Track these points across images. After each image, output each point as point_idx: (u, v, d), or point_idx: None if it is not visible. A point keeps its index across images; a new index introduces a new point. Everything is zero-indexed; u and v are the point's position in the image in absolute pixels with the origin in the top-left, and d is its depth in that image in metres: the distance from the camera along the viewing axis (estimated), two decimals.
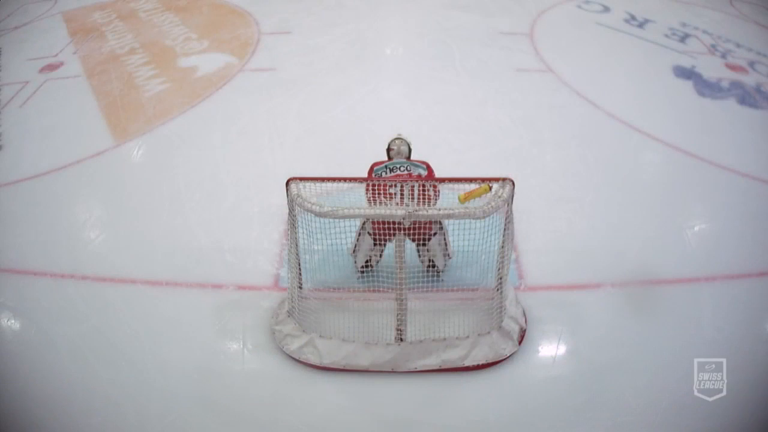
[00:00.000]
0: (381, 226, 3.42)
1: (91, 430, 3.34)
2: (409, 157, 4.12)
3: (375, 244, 3.77)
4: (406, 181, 3.46)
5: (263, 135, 5.70)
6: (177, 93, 6.47)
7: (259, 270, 4.24)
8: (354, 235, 3.78)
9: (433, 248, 3.82)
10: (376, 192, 3.55)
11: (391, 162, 3.95)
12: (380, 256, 3.91)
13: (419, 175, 3.80)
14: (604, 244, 4.42)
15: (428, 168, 3.91)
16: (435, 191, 3.64)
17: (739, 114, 6.15)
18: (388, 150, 4.19)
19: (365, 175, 3.93)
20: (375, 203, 3.49)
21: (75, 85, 6.70)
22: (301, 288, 3.74)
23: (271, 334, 3.74)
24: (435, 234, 3.72)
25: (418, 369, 3.53)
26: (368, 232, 3.73)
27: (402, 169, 3.85)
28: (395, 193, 3.52)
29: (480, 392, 3.47)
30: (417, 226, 3.36)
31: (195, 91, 6.49)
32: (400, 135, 4.27)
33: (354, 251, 3.94)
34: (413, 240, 3.53)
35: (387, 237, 3.46)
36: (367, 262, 3.93)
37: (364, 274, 3.95)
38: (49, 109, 6.26)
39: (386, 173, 3.85)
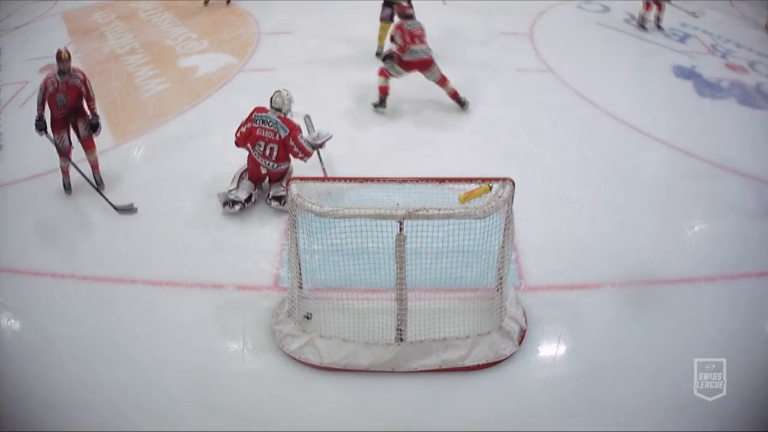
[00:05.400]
0: (254, 174, 4.71)
1: (91, 430, 3.34)
2: (285, 115, 4.58)
3: (255, 187, 4.75)
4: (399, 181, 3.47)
5: None
6: (177, 93, 6.46)
7: (259, 270, 4.24)
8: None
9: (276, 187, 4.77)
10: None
11: (266, 115, 4.55)
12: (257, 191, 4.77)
13: (279, 135, 4.52)
14: (604, 244, 4.42)
15: (291, 130, 4.52)
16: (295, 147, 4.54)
17: (739, 114, 6.15)
18: (271, 99, 4.57)
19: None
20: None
21: None
22: (301, 288, 3.74)
23: (271, 334, 3.74)
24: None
25: (418, 369, 3.53)
26: (244, 179, 4.72)
27: (270, 124, 4.52)
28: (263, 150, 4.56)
29: (480, 392, 3.47)
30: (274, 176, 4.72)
31: (195, 91, 6.49)
32: (279, 89, 4.58)
33: (235, 189, 4.65)
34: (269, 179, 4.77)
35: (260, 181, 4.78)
36: (249, 196, 4.67)
37: (245, 208, 4.64)
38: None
39: (258, 124, 4.54)
